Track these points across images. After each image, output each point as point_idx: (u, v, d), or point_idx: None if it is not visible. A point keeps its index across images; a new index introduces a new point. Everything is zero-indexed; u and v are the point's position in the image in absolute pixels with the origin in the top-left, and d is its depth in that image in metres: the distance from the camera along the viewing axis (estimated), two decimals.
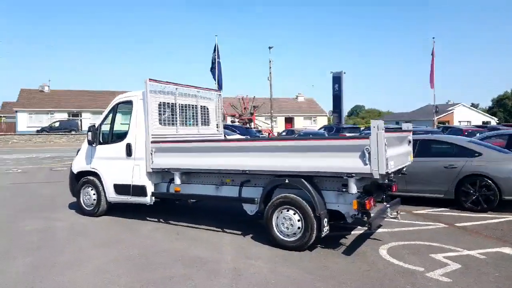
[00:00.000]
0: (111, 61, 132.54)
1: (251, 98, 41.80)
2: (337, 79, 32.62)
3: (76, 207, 8.19)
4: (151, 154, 6.89)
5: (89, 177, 7.77)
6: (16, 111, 48.18)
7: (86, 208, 7.84)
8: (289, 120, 63.05)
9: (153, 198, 7.12)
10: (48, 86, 53.69)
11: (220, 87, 27.96)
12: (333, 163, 5.30)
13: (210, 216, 7.86)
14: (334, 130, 26.56)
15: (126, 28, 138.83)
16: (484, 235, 6.57)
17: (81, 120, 48.79)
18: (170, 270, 4.94)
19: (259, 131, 27.89)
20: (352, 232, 6.67)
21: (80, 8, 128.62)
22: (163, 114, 7.42)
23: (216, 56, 27.76)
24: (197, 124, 8.26)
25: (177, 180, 6.78)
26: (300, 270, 4.97)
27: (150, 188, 7.08)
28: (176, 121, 7.67)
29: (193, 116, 8.20)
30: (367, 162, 5.04)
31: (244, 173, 6.10)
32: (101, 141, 7.66)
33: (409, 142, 6.86)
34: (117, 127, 7.57)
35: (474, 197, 8.25)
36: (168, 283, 4.55)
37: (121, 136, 7.39)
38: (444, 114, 62.61)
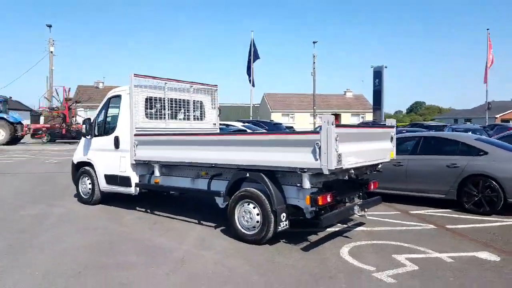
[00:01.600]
0: (158, 57, 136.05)
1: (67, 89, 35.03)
2: (378, 74, 31.48)
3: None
4: (134, 146, 7.19)
5: (86, 167, 8.26)
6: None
7: (83, 196, 8.35)
8: (335, 117, 61.89)
9: (138, 189, 7.42)
10: (103, 82, 56.86)
11: (252, 83, 28.15)
12: (288, 157, 5.24)
13: (194, 207, 8.05)
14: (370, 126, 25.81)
15: (170, 26, 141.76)
16: (470, 239, 6.18)
17: None
18: (123, 257, 5.18)
19: (291, 127, 27.68)
20: (330, 229, 6.54)
21: (132, 4, 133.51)
22: (151, 108, 7.69)
23: (251, 52, 27.95)
24: (189, 119, 8.46)
25: (156, 172, 7.03)
26: (245, 262, 4.99)
27: (134, 179, 7.39)
28: (165, 115, 7.92)
29: (185, 110, 8.41)
30: (318, 157, 4.95)
31: (212, 166, 6.21)
32: (96, 134, 8.10)
33: (391, 138, 6.58)
34: (109, 120, 7.96)
35: (476, 199, 7.73)
36: (111, 268, 4.78)
37: (112, 129, 7.78)
38: (508, 111, 58.36)
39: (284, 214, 5.48)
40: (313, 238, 6.10)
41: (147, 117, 7.59)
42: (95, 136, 8.10)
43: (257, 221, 5.63)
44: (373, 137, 5.98)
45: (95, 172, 8.04)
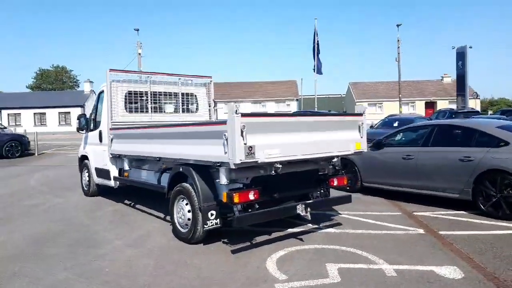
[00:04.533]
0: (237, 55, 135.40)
1: None
2: (461, 55, 27.91)
3: None
4: (110, 140, 7.32)
5: (85, 160, 8.68)
6: None
7: (84, 188, 8.79)
8: (430, 105, 56.88)
9: (117, 182, 7.55)
10: (191, 80, 59.85)
11: (318, 71, 27.20)
12: (206, 150, 4.83)
13: None
14: (447, 115, 23.09)
15: (241, 22, 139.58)
16: (452, 249, 5.11)
17: (216, 109, 53.07)
18: (48, 249, 5.31)
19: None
20: (292, 230, 5.93)
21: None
22: (133, 102, 7.74)
23: (315, 40, 27.04)
24: (177, 112, 8.36)
25: (125, 166, 7.08)
26: (155, 262, 4.73)
27: (113, 173, 7.53)
28: (148, 108, 7.93)
29: (174, 103, 8.33)
30: (226, 150, 4.46)
31: (158, 160, 6.04)
32: (91, 128, 8.44)
33: (359, 128, 5.68)
34: (98, 115, 8.19)
35: (494, 199, 6.37)
36: (23, 258, 4.92)
37: (98, 123, 8.02)
38: None
39: (213, 212, 5.05)
40: (261, 239, 5.57)
41: (127, 111, 7.67)
42: (90, 130, 8.46)
43: (189, 219, 5.30)
44: (318, 127, 5.17)
45: (90, 165, 8.42)
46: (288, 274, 4.34)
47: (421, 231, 5.90)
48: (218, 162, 4.65)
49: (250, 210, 4.97)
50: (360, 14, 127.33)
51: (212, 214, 5.05)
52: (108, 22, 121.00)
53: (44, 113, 46.05)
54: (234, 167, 4.42)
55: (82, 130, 8.51)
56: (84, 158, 8.79)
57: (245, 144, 4.36)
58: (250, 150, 4.40)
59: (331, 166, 5.65)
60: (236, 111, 4.30)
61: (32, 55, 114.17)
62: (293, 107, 54.03)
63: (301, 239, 5.56)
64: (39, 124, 45.35)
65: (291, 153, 4.82)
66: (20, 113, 46.65)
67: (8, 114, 47.41)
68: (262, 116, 4.96)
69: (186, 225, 5.36)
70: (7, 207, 7.87)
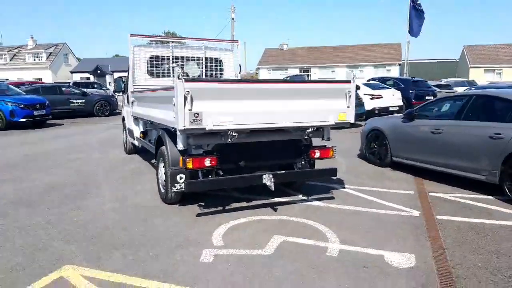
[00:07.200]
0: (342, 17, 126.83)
1: None
2: None
3: None
4: (131, 103, 7.79)
5: (124, 121, 9.39)
6: (259, 68, 56.26)
7: (124, 146, 9.58)
8: None
9: (139, 142, 8.05)
10: (287, 44, 59.33)
11: (413, 33, 24.82)
12: (165, 115, 4.93)
13: None
14: None
15: None
16: (432, 236, 4.56)
17: (308, 75, 52.20)
18: (47, 197, 5.96)
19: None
20: (279, 199, 5.79)
21: None
22: (156, 67, 8.05)
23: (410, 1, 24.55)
24: (201, 76, 8.45)
25: (141, 127, 7.51)
26: (119, 217, 5.05)
27: (136, 133, 8.02)
28: (171, 72, 8.16)
29: (198, 68, 8.44)
30: (174, 115, 4.49)
31: (151, 123, 6.29)
32: (125, 91, 9.02)
33: (346, 96, 5.16)
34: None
35: None
36: (30, 202, 5.63)
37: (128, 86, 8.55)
38: None
39: (182, 176, 5.11)
40: (236, 205, 5.55)
41: (149, 75, 8.02)
42: (124, 93, 9.05)
43: (164, 180, 5.51)
44: (285, 95, 4.81)
45: (125, 125, 9.10)
46: (226, 241, 4.31)
47: (416, 213, 5.29)
48: (173, 127, 4.70)
49: (210, 176, 4.97)
50: None
51: (181, 178, 5.14)
52: None
53: None
54: (179, 133, 4.44)
55: (119, 92, 9.16)
56: (124, 119, 9.52)
57: (190, 110, 4.32)
58: (196, 117, 4.35)
59: (307, 137, 5.28)
60: (179, 76, 4.25)
61: (149, 23, 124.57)
62: (395, 72, 50.22)
63: (275, 209, 5.41)
64: None
65: (248, 121, 4.63)
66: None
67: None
68: (211, 82, 4.78)
69: (164, 186, 5.57)
70: (52, 159, 8.92)
